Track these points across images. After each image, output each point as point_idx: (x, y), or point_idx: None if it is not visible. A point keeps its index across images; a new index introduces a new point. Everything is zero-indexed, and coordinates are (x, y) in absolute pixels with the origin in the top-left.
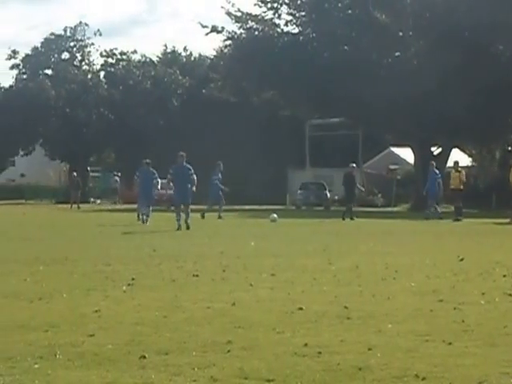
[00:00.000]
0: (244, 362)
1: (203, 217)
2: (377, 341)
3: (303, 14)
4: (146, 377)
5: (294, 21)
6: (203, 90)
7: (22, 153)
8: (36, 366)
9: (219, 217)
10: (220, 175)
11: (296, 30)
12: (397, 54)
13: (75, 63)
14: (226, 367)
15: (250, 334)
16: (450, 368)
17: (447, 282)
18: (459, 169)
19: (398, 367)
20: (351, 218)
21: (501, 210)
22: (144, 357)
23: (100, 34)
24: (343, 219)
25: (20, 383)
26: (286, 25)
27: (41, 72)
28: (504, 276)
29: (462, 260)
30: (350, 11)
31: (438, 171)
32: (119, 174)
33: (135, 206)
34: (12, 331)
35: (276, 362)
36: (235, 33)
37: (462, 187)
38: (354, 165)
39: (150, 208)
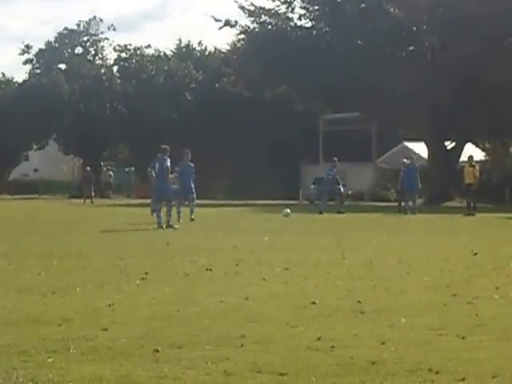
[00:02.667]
0: (257, 356)
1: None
2: (390, 335)
3: (316, 8)
4: (160, 370)
5: (308, 15)
6: (216, 85)
7: (35, 147)
8: (50, 359)
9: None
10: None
11: (309, 24)
12: (410, 48)
13: (89, 58)
14: (239, 361)
15: (264, 328)
16: (463, 362)
17: (461, 276)
18: (473, 163)
19: (412, 361)
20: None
21: None
22: (157, 350)
23: (114, 29)
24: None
25: (34, 377)
26: (299, 19)
27: (54, 67)
28: None
29: (475, 254)
30: (363, 5)
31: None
32: (132, 169)
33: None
34: (26, 325)
35: (289, 356)
36: (248, 27)
37: (474, 182)
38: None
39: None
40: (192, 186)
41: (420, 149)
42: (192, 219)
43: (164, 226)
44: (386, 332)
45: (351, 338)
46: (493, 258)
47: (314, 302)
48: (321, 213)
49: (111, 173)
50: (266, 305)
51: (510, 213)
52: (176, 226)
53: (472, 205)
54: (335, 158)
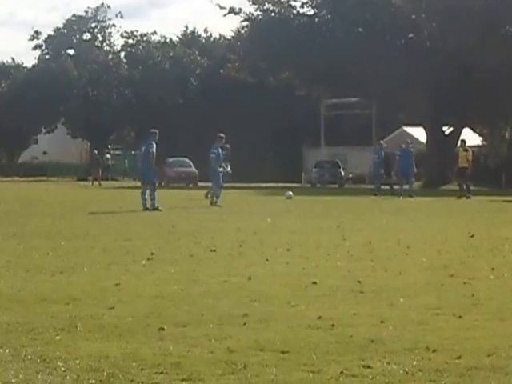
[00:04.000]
0: (259, 334)
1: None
2: (389, 314)
3: None
4: (165, 348)
5: (310, 3)
6: (221, 71)
7: (44, 131)
8: (57, 337)
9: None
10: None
11: (311, 12)
12: (410, 35)
13: (96, 44)
14: (241, 339)
15: (266, 307)
16: (460, 341)
17: (458, 257)
18: (466, 148)
19: (410, 339)
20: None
21: (510, 188)
22: (163, 329)
23: (121, 16)
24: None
25: (42, 354)
26: (301, 6)
27: (63, 52)
28: None
29: (472, 236)
30: None
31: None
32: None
33: None
34: (34, 304)
35: (290, 335)
36: (252, 14)
37: (467, 165)
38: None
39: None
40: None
41: (419, 133)
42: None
43: (150, 209)
44: (385, 311)
45: (351, 317)
46: (489, 239)
47: (314, 282)
48: (375, 194)
49: (109, 156)
50: (268, 284)
51: (505, 196)
52: (161, 208)
53: (466, 188)
54: (381, 141)
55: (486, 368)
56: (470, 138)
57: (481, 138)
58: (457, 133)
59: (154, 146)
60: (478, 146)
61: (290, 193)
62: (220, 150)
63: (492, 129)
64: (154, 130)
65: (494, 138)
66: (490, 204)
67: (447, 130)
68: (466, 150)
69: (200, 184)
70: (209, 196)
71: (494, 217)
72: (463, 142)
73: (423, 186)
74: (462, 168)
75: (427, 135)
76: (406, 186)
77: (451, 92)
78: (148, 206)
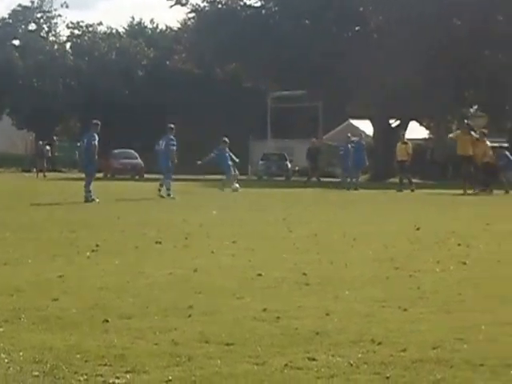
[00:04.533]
0: (204, 326)
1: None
2: (334, 306)
3: None
4: (109, 340)
5: None
6: (167, 62)
7: None
8: (1, 329)
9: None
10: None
11: (259, 4)
12: (357, 28)
13: (42, 34)
14: (186, 331)
15: (211, 299)
16: (405, 333)
17: (404, 250)
18: (405, 141)
19: (355, 332)
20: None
21: (457, 181)
22: (107, 321)
23: (67, 6)
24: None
25: None
26: None
27: (8, 43)
28: (459, 245)
29: (418, 229)
30: None
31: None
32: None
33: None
34: None
35: (236, 327)
36: (199, 6)
37: (407, 159)
38: (315, 139)
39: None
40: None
41: (365, 126)
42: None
43: (90, 200)
44: (330, 304)
45: (296, 309)
46: (434, 233)
47: (260, 274)
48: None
49: (48, 147)
50: (213, 277)
51: (452, 189)
52: (97, 200)
53: (408, 181)
54: (353, 138)
55: (431, 361)
56: (417, 130)
57: (428, 131)
58: (403, 126)
59: (96, 138)
60: (425, 139)
61: (237, 185)
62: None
63: (439, 121)
64: (96, 121)
65: (441, 130)
66: (435, 197)
67: (394, 122)
68: (406, 143)
69: (146, 176)
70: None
71: (439, 210)
72: (403, 135)
73: (370, 179)
74: (400, 161)
75: (374, 128)
76: (350, 180)
77: (398, 84)
78: (93, 197)
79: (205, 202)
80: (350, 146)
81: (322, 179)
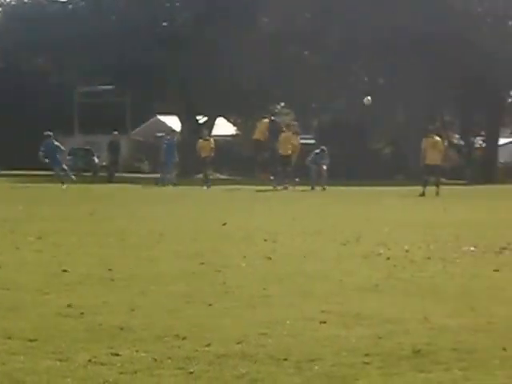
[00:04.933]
0: (9, 322)
1: None
2: (140, 302)
3: None
4: None
5: None
6: None
7: None
8: None
9: None
10: None
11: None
12: (164, 24)
13: None
14: None
15: (16, 295)
16: (210, 328)
17: (210, 245)
18: (207, 137)
19: (160, 327)
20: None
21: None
22: None
23: None
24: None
25: None
26: None
27: None
28: (265, 240)
29: (224, 225)
30: None
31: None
32: None
33: None
34: None
35: (40, 323)
36: (5, 0)
37: (212, 154)
38: (117, 132)
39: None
40: None
41: (173, 122)
42: None
43: None
44: (136, 299)
45: (101, 305)
46: (241, 228)
47: (65, 270)
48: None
49: None
50: (18, 272)
51: (258, 185)
52: None
53: (205, 177)
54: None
55: (235, 356)
56: (225, 127)
57: (235, 128)
58: (211, 122)
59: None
60: (232, 136)
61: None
62: None
63: (246, 119)
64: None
65: (248, 127)
66: (241, 193)
67: (201, 119)
68: (207, 140)
69: None
70: None
71: (245, 205)
72: (205, 132)
73: (179, 175)
74: (204, 158)
75: (181, 124)
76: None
77: (202, 81)
78: None
79: (12, 197)
80: (164, 142)
81: (128, 175)
